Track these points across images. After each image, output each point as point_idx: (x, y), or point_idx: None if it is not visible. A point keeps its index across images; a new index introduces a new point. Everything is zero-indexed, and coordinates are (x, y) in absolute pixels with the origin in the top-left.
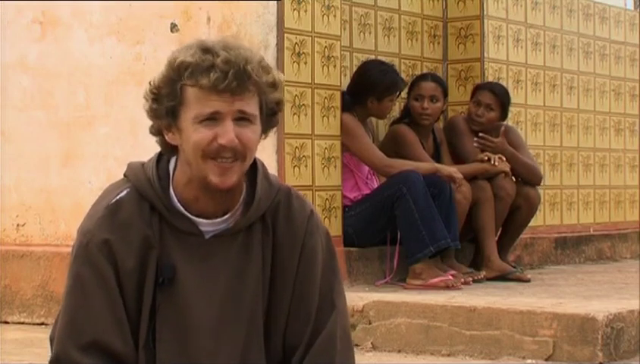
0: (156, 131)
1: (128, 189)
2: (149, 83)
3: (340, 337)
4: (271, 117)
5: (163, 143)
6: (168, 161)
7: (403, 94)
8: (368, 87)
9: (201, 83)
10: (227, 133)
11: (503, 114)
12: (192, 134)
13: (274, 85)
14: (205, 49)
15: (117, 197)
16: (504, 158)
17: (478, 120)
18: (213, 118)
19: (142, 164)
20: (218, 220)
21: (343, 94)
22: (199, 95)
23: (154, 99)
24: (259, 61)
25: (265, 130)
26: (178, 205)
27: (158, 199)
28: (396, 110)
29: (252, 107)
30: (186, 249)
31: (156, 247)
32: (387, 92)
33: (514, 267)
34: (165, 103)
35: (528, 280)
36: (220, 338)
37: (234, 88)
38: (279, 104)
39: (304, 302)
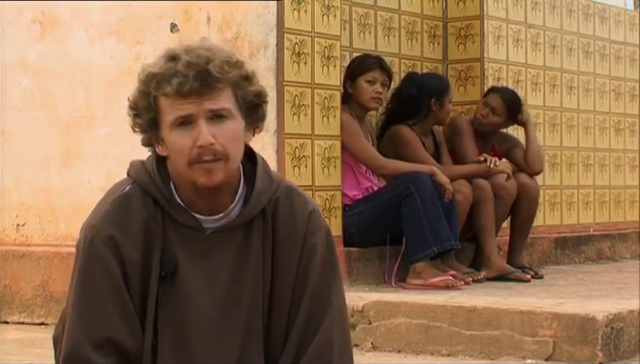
0: (147, 142)
1: (131, 185)
2: (128, 98)
3: (338, 341)
4: (253, 110)
5: (156, 154)
6: (166, 160)
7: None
8: (346, 73)
9: (166, 91)
10: (202, 133)
11: (509, 122)
12: (173, 142)
13: (248, 78)
14: (170, 57)
15: (121, 192)
16: (502, 160)
17: (482, 121)
18: (187, 122)
19: (143, 162)
20: (217, 217)
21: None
22: (169, 102)
23: (135, 115)
24: (225, 59)
25: (251, 124)
26: (179, 199)
27: (160, 194)
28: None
29: (222, 103)
30: (188, 244)
31: (160, 240)
32: (357, 69)
33: (529, 267)
34: (145, 116)
35: (528, 281)
36: (219, 334)
37: (197, 89)
38: (259, 96)
39: (297, 296)
